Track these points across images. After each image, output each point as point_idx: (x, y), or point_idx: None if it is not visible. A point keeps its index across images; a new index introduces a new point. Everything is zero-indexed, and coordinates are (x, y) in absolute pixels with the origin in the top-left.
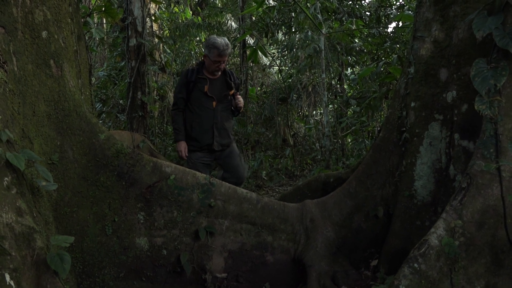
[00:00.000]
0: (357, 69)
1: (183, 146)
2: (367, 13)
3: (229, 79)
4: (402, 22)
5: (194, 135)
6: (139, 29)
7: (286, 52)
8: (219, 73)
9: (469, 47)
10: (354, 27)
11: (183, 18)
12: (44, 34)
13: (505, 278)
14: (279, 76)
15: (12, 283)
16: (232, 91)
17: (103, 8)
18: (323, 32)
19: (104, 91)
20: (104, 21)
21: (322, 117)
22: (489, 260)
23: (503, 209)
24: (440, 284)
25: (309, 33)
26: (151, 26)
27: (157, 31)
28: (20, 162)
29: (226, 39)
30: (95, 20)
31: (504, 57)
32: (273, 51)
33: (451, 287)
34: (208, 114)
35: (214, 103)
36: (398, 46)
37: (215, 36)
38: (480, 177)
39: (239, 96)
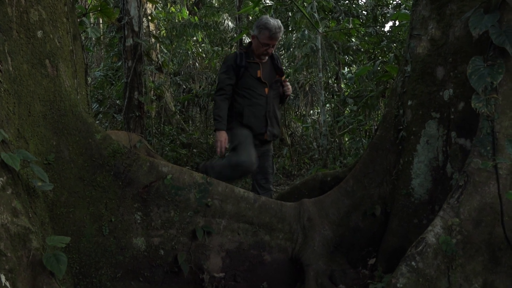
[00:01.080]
0: (354, 68)
1: (223, 137)
2: (363, 12)
3: (278, 64)
4: (398, 21)
5: (246, 122)
6: (136, 29)
7: (283, 51)
8: (267, 57)
9: (466, 45)
10: (351, 26)
11: (180, 17)
12: (39, 33)
13: (502, 276)
14: None
15: (7, 284)
16: (283, 77)
17: (99, 8)
18: (320, 31)
19: (101, 91)
20: (100, 21)
21: (319, 116)
22: (486, 258)
23: (500, 206)
24: (438, 282)
25: (306, 32)
26: (148, 26)
27: (154, 31)
28: (15, 162)
29: (279, 22)
30: (91, 19)
31: (500, 55)
32: None
33: (449, 285)
34: (261, 101)
35: (266, 90)
36: (394, 45)
37: (267, 16)
38: (477, 175)
39: (287, 83)
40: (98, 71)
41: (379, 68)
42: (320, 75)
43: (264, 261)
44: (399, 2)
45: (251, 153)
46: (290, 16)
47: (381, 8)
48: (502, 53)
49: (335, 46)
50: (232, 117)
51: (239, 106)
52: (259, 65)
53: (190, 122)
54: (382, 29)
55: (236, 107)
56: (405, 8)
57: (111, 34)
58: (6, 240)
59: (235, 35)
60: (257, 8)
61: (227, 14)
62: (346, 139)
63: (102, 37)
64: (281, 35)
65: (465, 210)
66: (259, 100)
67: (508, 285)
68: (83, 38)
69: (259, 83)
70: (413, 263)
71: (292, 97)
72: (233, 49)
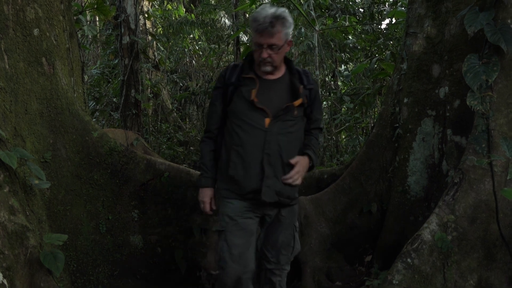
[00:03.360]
0: (350, 65)
1: (207, 196)
2: (360, 9)
3: (298, 81)
4: (395, 19)
5: (233, 173)
6: (132, 26)
7: None
8: (271, 68)
9: (461, 43)
10: (347, 23)
11: (177, 15)
12: (35, 31)
13: (497, 272)
14: None
15: (5, 281)
16: (299, 102)
17: (96, 6)
18: (317, 29)
19: (98, 89)
20: (97, 19)
21: None
22: (481, 254)
23: (495, 203)
24: (433, 279)
25: (303, 30)
26: (144, 24)
27: (150, 29)
28: (12, 160)
29: (281, 9)
30: (88, 17)
31: (495, 52)
32: None
33: (444, 281)
34: (256, 138)
35: (267, 121)
36: (391, 42)
37: (266, 5)
38: (472, 172)
39: (296, 166)
40: (94, 69)
41: (375, 66)
42: (317, 72)
43: None
44: None
45: (241, 252)
46: None
47: (377, 6)
48: (497, 51)
49: (331, 43)
50: (218, 165)
51: (225, 146)
52: (256, 82)
53: (187, 120)
54: (379, 26)
55: (223, 149)
56: (401, 6)
57: (108, 32)
58: (4, 238)
59: (232, 33)
60: (253, 6)
61: (224, 12)
62: (343, 137)
63: (98, 35)
64: (284, 29)
65: (460, 207)
66: (253, 136)
67: (503, 281)
68: (79, 36)
69: (253, 109)
70: (408, 260)
71: None
72: (230, 47)
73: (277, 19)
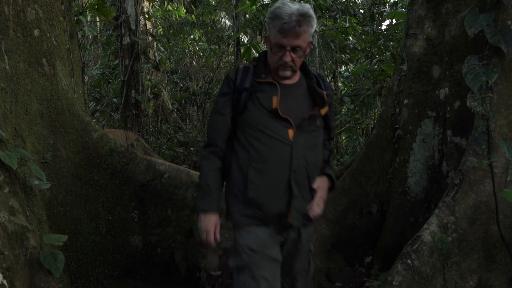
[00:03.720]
0: (351, 66)
1: (211, 223)
2: (360, 10)
3: (319, 86)
4: (395, 20)
5: (253, 195)
6: (133, 27)
7: None
8: (289, 73)
9: (461, 44)
10: (347, 24)
11: (177, 16)
12: (36, 32)
13: (497, 274)
14: None
15: (5, 282)
16: (326, 110)
17: (96, 6)
18: (317, 29)
19: (98, 89)
20: (97, 19)
21: None
22: (481, 255)
23: (495, 205)
24: (433, 280)
25: None
26: (145, 24)
27: (151, 29)
28: (12, 161)
29: (305, 5)
30: (88, 18)
31: (495, 54)
32: None
33: (444, 282)
34: (280, 153)
35: (291, 132)
36: (391, 43)
37: (286, 0)
38: (472, 173)
39: (318, 195)
40: (95, 69)
41: (376, 67)
42: None
43: None
44: (396, 0)
45: (271, 286)
46: None
47: (378, 7)
48: (497, 52)
49: (332, 44)
50: (228, 186)
51: (240, 162)
52: (277, 87)
53: (187, 120)
54: (379, 27)
55: (234, 166)
56: (401, 7)
57: (108, 32)
58: (4, 239)
59: (232, 34)
60: (254, 7)
61: (224, 13)
62: (343, 138)
63: (99, 36)
64: (309, 29)
65: (460, 208)
66: (275, 151)
67: (503, 282)
68: (80, 36)
69: (276, 119)
70: (408, 261)
71: None
72: (230, 48)
73: (304, 17)
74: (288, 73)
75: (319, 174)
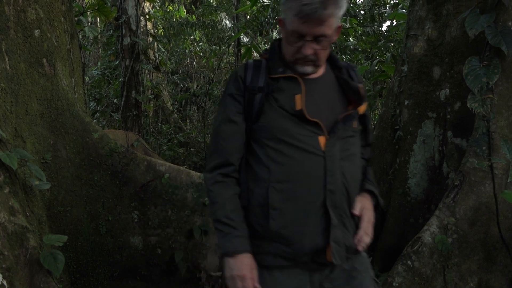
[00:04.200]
0: None
1: (246, 267)
2: (361, 11)
3: (350, 79)
4: (396, 21)
5: (276, 226)
6: (133, 27)
7: None
8: (312, 69)
9: (462, 45)
10: (348, 25)
11: (177, 16)
12: (36, 32)
13: (497, 275)
14: None
15: (5, 282)
16: (364, 107)
17: (97, 7)
18: None
19: (98, 90)
20: (98, 20)
21: None
22: (481, 257)
23: (496, 206)
24: (433, 281)
25: None
26: (145, 25)
27: (151, 30)
28: (12, 161)
29: None
30: (89, 18)
31: (496, 55)
32: None
33: (444, 284)
34: (311, 167)
35: (321, 140)
36: (392, 44)
37: None
38: (472, 174)
39: (364, 220)
40: (95, 70)
41: (376, 68)
42: None
43: None
44: (397, 1)
45: None
46: None
47: (378, 8)
48: (498, 53)
49: (332, 45)
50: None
51: (257, 185)
52: (299, 82)
53: (188, 121)
54: (380, 28)
55: (249, 189)
56: (402, 8)
57: (109, 33)
58: (4, 239)
59: (233, 34)
60: (254, 7)
61: (224, 13)
62: None
63: (99, 36)
64: (337, 12)
65: (460, 209)
66: (304, 165)
67: (503, 284)
68: (80, 37)
69: (302, 124)
70: (409, 262)
71: None
72: (231, 49)
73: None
74: (309, 69)
75: (359, 192)
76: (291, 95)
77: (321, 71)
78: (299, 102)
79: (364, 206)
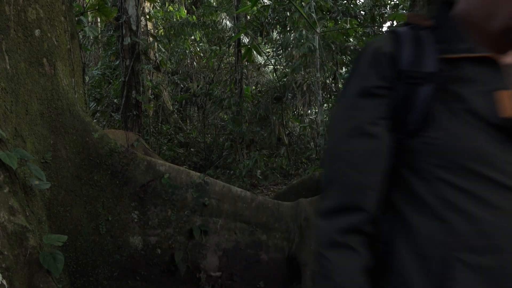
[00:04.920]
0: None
1: None
2: (361, 12)
3: None
4: (396, 21)
5: None
6: (134, 28)
7: (280, 51)
8: None
9: None
10: (348, 26)
11: (178, 17)
12: (37, 32)
13: None
14: (274, 75)
15: (4, 282)
16: None
17: (97, 7)
18: (318, 31)
19: (99, 90)
20: (98, 20)
21: (316, 116)
22: None
23: None
24: None
25: (304, 32)
26: (146, 25)
27: (152, 30)
28: (12, 161)
29: None
30: (89, 18)
31: None
32: (267, 50)
33: None
34: None
35: None
36: None
37: None
38: None
39: None
40: (95, 70)
41: None
42: (318, 75)
43: (261, 260)
44: (397, 2)
45: None
46: (288, 16)
47: (379, 8)
48: None
49: (332, 46)
50: None
51: (421, 252)
52: (501, 70)
53: (188, 121)
54: (380, 29)
55: (404, 258)
56: (402, 9)
57: (109, 33)
58: (3, 239)
59: (233, 35)
60: (255, 8)
61: (225, 13)
62: None
63: (99, 36)
64: None
65: None
66: None
67: None
68: (80, 37)
69: (509, 143)
70: None
71: (289, 97)
72: (231, 49)
73: None
74: None
75: None
76: (488, 90)
77: None
78: (507, 103)
79: None
